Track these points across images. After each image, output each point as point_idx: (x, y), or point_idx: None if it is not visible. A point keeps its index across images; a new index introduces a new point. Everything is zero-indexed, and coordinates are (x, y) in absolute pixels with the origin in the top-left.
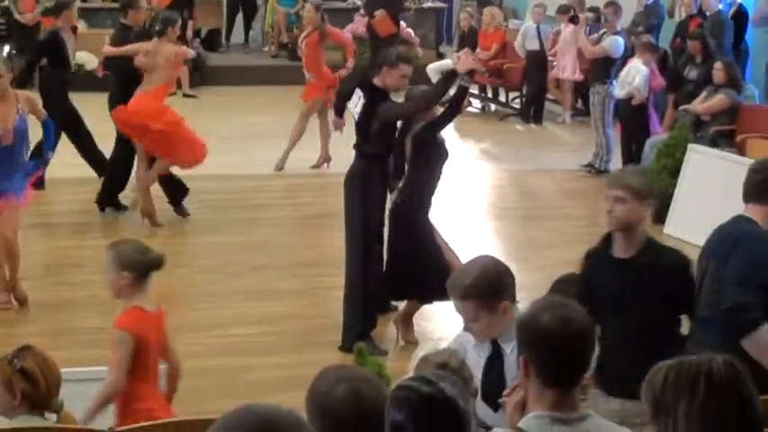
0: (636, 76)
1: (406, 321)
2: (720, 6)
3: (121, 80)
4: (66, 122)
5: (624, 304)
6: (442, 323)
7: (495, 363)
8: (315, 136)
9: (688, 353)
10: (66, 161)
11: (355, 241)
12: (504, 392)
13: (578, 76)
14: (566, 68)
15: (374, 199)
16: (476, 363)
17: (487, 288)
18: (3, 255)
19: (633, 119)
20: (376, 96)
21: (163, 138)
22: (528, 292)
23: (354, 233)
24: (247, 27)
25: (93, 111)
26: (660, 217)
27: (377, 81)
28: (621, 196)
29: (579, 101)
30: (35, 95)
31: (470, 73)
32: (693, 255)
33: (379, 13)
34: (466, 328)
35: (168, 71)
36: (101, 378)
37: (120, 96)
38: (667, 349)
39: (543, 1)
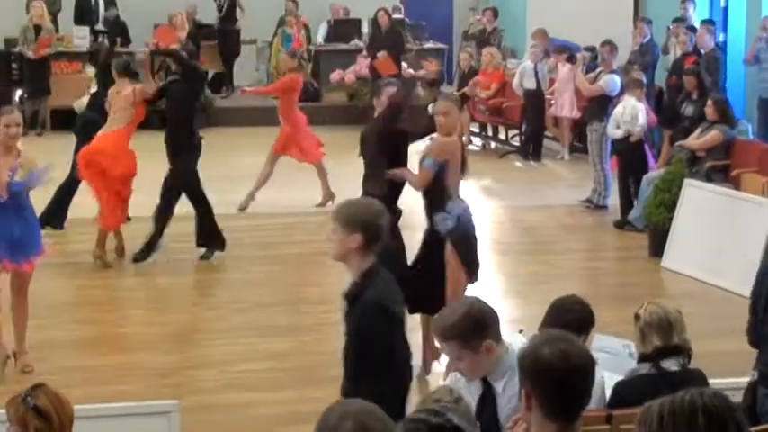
0: (638, 114)
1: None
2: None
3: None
4: None
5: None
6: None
7: (487, 401)
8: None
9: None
10: (79, 201)
11: None
12: (507, 425)
13: (576, 114)
14: (563, 107)
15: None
16: (469, 400)
17: (470, 328)
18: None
19: (630, 155)
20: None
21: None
22: (530, 325)
23: None
24: (229, 71)
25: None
26: (658, 250)
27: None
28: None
29: (577, 138)
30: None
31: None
32: (692, 288)
33: (382, 54)
34: (451, 368)
35: (128, 110)
36: (113, 415)
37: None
38: None
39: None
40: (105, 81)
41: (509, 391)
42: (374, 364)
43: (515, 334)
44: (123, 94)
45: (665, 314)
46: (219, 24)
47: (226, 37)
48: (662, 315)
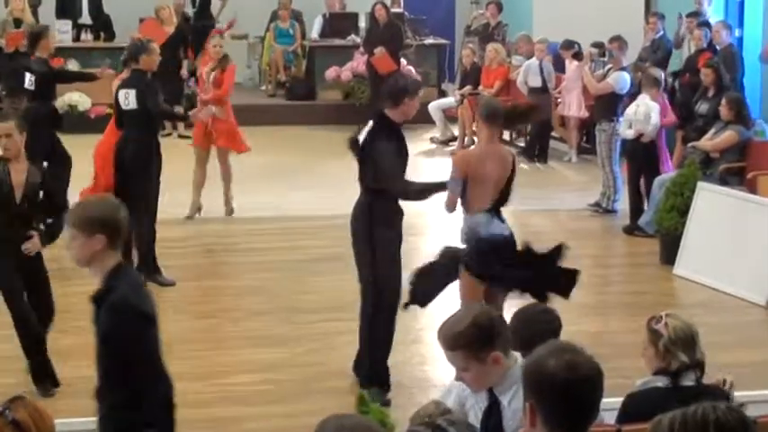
0: (651, 113)
1: None
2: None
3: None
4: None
5: None
6: (448, 369)
7: (492, 414)
8: (305, 178)
9: None
10: None
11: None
12: None
13: (584, 114)
14: (571, 105)
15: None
16: (476, 409)
17: (477, 338)
18: None
19: (642, 156)
20: (386, 128)
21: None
22: None
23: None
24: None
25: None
26: (669, 257)
27: (392, 114)
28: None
29: (584, 138)
30: None
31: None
32: (705, 297)
33: (379, 50)
34: (457, 378)
35: None
36: (94, 429)
37: None
38: None
39: (547, 37)
40: None
41: (515, 404)
42: (129, 367)
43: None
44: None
45: (689, 329)
46: (194, 20)
47: (199, 35)
48: (686, 330)
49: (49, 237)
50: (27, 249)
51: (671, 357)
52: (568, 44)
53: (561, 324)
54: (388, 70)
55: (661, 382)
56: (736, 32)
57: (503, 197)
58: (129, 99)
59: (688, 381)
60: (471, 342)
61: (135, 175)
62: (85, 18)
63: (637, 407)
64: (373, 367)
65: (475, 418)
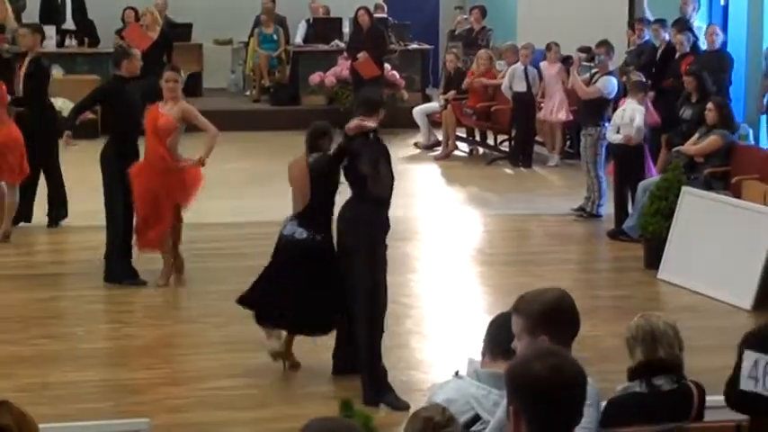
0: (636, 116)
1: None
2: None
3: None
4: None
5: None
6: (433, 373)
7: None
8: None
9: None
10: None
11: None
12: None
13: (569, 117)
14: (552, 110)
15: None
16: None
17: (539, 313)
18: None
19: (629, 160)
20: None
21: None
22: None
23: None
24: None
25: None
26: (653, 262)
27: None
28: None
29: (568, 143)
30: None
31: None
32: (690, 301)
33: (362, 55)
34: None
35: None
36: None
37: None
38: None
39: (531, 42)
40: None
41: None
42: None
43: (452, 378)
44: None
45: (651, 327)
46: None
47: None
48: (646, 328)
49: None
50: None
51: (632, 355)
52: (549, 46)
53: None
54: (371, 75)
55: (636, 386)
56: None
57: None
58: None
59: (667, 385)
60: (531, 313)
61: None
62: (69, 24)
63: (616, 413)
64: (375, 374)
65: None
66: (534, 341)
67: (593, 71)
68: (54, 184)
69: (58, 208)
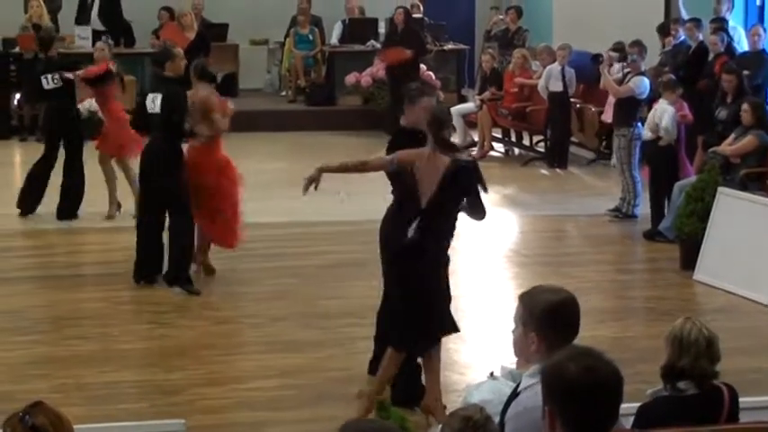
0: (664, 116)
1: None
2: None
3: None
4: None
5: None
6: (469, 374)
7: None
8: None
9: None
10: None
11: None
12: None
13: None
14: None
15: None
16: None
17: (537, 310)
18: None
19: (661, 160)
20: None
21: None
22: None
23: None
24: None
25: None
26: (689, 263)
27: (402, 122)
28: None
29: (604, 143)
30: None
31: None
32: (725, 302)
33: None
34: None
35: None
36: None
37: None
38: None
39: (568, 42)
40: None
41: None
42: None
43: (487, 379)
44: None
45: (681, 334)
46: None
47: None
48: (677, 333)
49: None
50: None
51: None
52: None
53: None
54: (400, 59)
55: (665, 390)
56: None
57: None
58: (155, 103)
59: (692, 389)
60: (526, 307)
61: (163, 179)
62: (96, 23)
63: (647, 417)
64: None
65: None
66: (525, 334)
67: (626, 71)
68: (74, 181)
69: (72, 200)
